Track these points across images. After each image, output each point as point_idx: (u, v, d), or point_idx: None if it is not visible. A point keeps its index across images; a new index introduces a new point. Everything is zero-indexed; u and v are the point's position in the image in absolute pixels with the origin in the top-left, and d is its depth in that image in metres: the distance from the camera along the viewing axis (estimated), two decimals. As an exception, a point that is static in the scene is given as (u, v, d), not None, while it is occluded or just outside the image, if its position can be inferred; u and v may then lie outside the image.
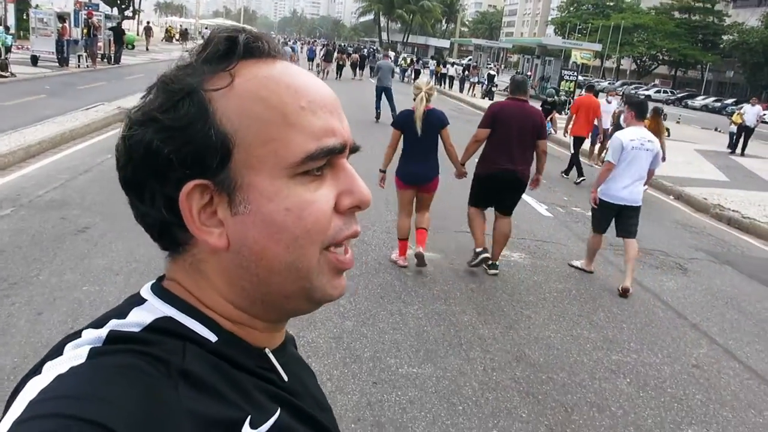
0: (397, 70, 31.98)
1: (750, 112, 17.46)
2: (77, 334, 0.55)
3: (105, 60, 23.12)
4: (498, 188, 5.56)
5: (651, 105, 7.93)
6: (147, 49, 36.02)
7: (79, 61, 20.24)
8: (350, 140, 0.61)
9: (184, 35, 49.60)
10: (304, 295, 0.60)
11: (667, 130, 8.40)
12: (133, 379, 0.48)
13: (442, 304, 4.78)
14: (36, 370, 0.51)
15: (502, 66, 63.13)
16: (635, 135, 5.65)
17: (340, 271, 0.61)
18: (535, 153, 5.61)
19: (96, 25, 20.68)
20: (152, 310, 0.58)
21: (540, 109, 6.18)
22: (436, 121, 5.26)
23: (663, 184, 11.47)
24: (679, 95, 53.23)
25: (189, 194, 0.56)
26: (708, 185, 11.72)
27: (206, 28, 66.15)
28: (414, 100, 5.26)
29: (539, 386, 3.74)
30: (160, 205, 0.57)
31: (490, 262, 5.53)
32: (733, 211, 9.71)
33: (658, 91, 53.84)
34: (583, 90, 14.51)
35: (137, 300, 0.60)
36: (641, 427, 3.46)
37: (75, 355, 0.51)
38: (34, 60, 18.51)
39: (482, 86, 28.39)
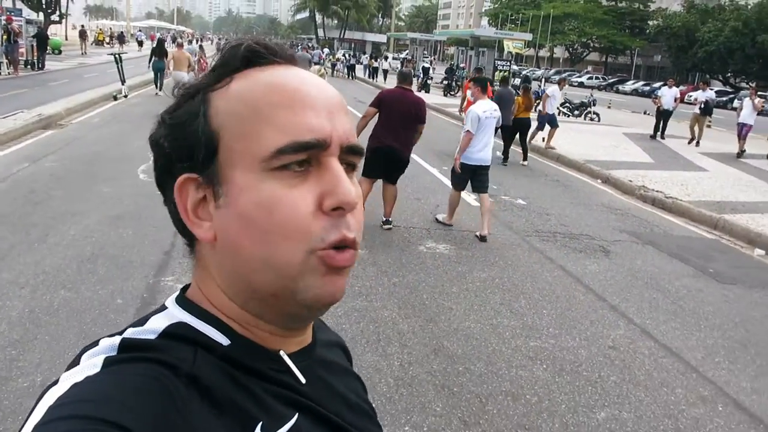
0: (328, 64, 34.57)
1: (667, 95, 17.09)
2: (95, 343, 0.57)
3: (28, 66, 22.10)
4: (383, 162, 6.39)
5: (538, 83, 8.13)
6: (83, 53, 34.73)
7: (-1, 69, 19.25)
8: (341, 140, 0.59)
9: (121, 38, 48.28)
10: (292, 297, 0.58)
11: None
12: (146, 385, 0.50)
13: (363, 300, 4.70)
14: (55, 382, 0.52)
15: (439, 59, 63.56)
16: (486, 107, 6.75)
17: (332, 269, 0.58)
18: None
19: (17, 31, 19.70)
20: (169, 316, 0.60)
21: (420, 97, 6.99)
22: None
23: (591, 168, 11.71)
24: (611, 81, 54.71)
25: (181, 187, 0.59)
26: (634, 167, 12.02)
27: (139, 30, 64.50)
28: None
29: (455, 378, 3.70)
30: (172, 200, 0.61)
31: (384, 220, 6.68)
32: (656, 191, 9.98)
33: (591, 78, 55.29)
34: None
35: (160, 308, 0.63)
36: (555, 413, 3.46)
37: (90, 364, 0.53)
38: (-52, 69, 17.51)
39: (418, 79, 28.43)
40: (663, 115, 17.13)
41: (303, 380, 0.62)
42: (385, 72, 33.83)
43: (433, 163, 11.04)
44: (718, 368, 4.25)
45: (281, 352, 0.62)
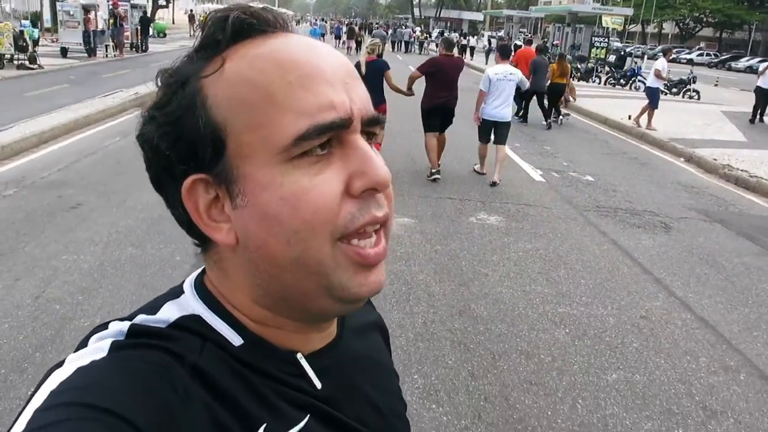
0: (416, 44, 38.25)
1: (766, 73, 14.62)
2: (104, 326, 0.55)
3: (133, 49, 23.74)
4: (440, 115, 7.65)
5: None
6: (191, 35, 36.96)
7: (106, 51, 20.82)
8: (362, 113, 0.54)
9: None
10: (325, 293, 0.54)
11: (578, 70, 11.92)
12: (150, 372, 0.49)
13: (402, 264, 4.96)
14: (60, 363, 0.51)
15: (541, 37, 61.83)
16: (499, 70, 7.74)
17: (364, 266, 0.54)
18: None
19: (122, 15, 21.19)
20: (183, 306, 0.58)
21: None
22: (377, 68, 7.33)
23: (675, 146, 11.30)
24: (723, 57, 51.28)
25: (190, 190, 0.54)
26: (723, 146, 11.46)
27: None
28: (364, 52, 7.67)
29: (474, 336, 3.90)
30: (178, 203, 0.56)
31: (434, 170, 7.73)
32: (741, 170, 9.53)
33: (701, 54, 52.10)
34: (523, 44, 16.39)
35: (176, 292, 0.61)
36: (565, 372, 3.59)
37: (97, 348, 0.52)
38: (64, 52, 19.15)
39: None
40: (762, 95, 15.09)
41: (318, 385, 0.60)
42: (473, 49, 34.03)
43: (505, 139, 11.01)
44: (754, 341, 4.19)
45: (298, 355, 0.59)
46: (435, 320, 4.07)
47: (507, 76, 7.68)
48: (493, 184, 7.67)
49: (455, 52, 8.28)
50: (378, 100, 7.04)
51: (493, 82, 7.63)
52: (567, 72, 13.41)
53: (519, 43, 30.78)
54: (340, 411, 0.61)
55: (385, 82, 7.42)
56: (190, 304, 0.58)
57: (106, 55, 20.78)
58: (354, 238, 0.53)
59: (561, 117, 13.61)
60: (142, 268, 4.53)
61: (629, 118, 13.68)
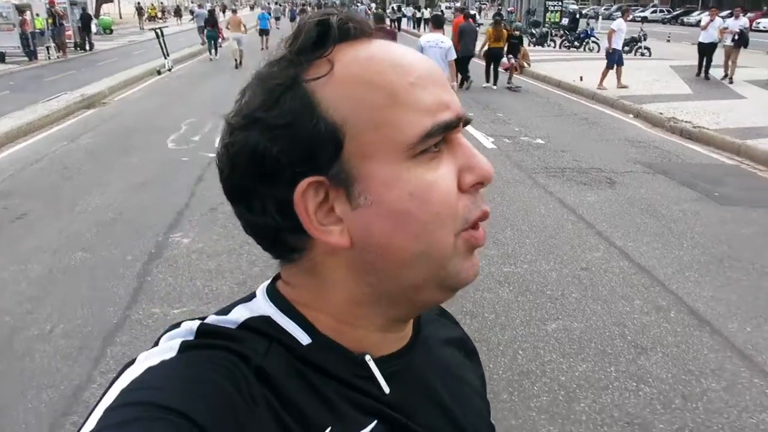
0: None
1: (709, 27, 14.53)
2: (177, 325, 0.57)
3: (78, 48, 23.19)
4: None
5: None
6: (142, 29, 36.45)
7: (48, 53, 20.21)
8: (463, 112, 0.57)
9: (177, 12, 50.03)
10: (437, 283, 0.56)
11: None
12: (217, 374, 0.50)
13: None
14: (132, 361, 0.52)
15: (495, 5, 61.84)
16: (431, 38, 8.76)
17: (473, 250, 0.57)
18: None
19: (61, 14, 20.65)
20: (253, 308, 0.59)
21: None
22: None
23: (623, 104, 11.61)
24: (675, 13, 51.92)
25: (303, 193, 0.54)
26: (669, 100, 11.79)
27: (192, 2, 65.90)
28: None
29: (422, 301, 4.12)
30: (272, 211, 0.55)
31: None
32: (685, 122, 9.86)
33: (654, 11, 52.64)
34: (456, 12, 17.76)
35: (249, 296, 0.62)
36: (507, 327, 3.83)
37: (167, 347, 0.53)
38: (1, 57, 18.55)
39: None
40: (704, 50, 14.62)
41: (387, 389, 0.59)
42: (427, 21, 34.29)
43: (458, 111, 11.23)
44: (685, 282, 4.47)
45: (366, 357, 0.59)
46: (386, 290, 4.28)
47: (438, 44, 8.57)
48: None
49: (387, 23, 9.80)
50: None
51: (425, 48, 8.37)
52: (502, 36, 14.13)
53: (473, 12, 31.03)
54: (410, 418, 0.59)
55: None
56: (260, 306, 0.59)
57: (49, 57, 20.19)
58: (470, 230, 0.56)
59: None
60: (92, 271, 4.63)
61: (581, 79, 13.97)
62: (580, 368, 3.42)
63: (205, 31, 20.60)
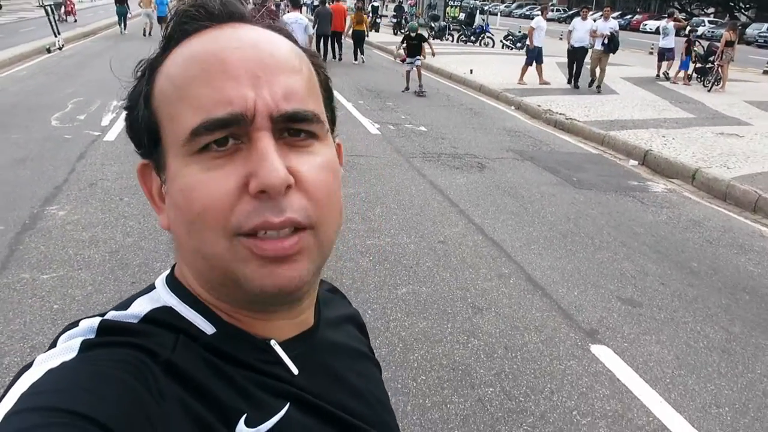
0: None
1: (579, 29, 13.42)
2: (75, 324, 0.55)
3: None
4: None
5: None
6: (40, 5, 34.31)
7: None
8: (270, 108, 0.52)
9: None
10: (234, 284, 0.55)
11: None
12: (122, 372, 0.48)
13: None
14: (30, 364, 0.50)
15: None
16: (293, 17, 11.30)
17: (265, 258, 0.53)
18: None
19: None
20: (155, 299, 0.59)
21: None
22: None
23: (507, 96, 12.29)
24: (571, 12, 54.62)
25: (141, 172, 0.59)
26: (549, 93, 12.61)
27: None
28: None
29: (286, 270, 4.37)
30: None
31: None
32: (559, 114, 10.61)
33: (553, 10, 55.15)
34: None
35: (148, 288, 0.61)
36: (361, 291, 4.15)
37: (67, 347, 0.51)
38: None
39: (368, 17, 28.48)
40: (575, 55, 13.42)
41: (295, 371, 0.60)
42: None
43: (350, 97, 11.54)
44: (529, 253, 4.97)
45: (272, 342, 0.59)
46: (252, 260, 4.50)
47: (297, 20, 11.25)
48: None
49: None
50: None
51: (289, 25, 10.23)
52: (363, 20, 17.38)
53: (376, 4, 31.41)
54: (320, 398, 0.61)
55: None
56: (161, 296, 0.59)
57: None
58: (249, 236, 0.52)
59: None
60: (-37, 240, 4.61)
61: (470, 72, 14.60)
62: (421, 325, 3.79)
63: (116, 8, 21.29)
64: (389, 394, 2.43)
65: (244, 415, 0.54)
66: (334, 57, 17.25)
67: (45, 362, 0.50)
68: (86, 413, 0.44)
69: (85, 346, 0.51)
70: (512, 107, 11.74)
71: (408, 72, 12.40)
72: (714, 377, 3.48)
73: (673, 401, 3.24)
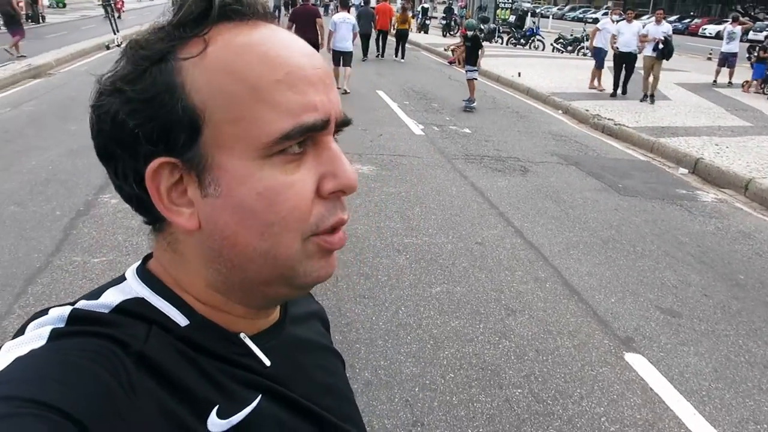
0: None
1: (626, 32, 12.29)
2: (44, 312, 0.54)
3: (29, 20, 22.85)
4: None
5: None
6: (100, 4, 35.64)
7: (-1, 23, 19.97)
8: (337, 114, 0.56)
9: None
10: (285, 281, 0.56)
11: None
12: (92, 363, 0.47)
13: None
14: None
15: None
16: (341, 17, 11.91)
17: (328, 252, 0.57)
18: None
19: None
20: (126, 290, 0.57)
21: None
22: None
23: (554, 100, 12.14)
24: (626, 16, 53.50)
25: (155, 172, 0.53)
26: (597, 98, 12.40)
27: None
28: None
29: (322, 264, 4.43)
30: (132, 181, 0.55)
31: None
32: (608, 119, 10.43)
33: (605, 14, 54.05)
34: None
35: (118, 279, 0.60)
36: (395, 288, 4.19)
37: (36, 335, 0.50)
38: None
39: (416, 20, 28.53)
40: (622, 60, 12.38)
41: (267, 362, 0.60)
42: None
43: (396, 98, 11.59)
44: (568, 258, 4.91)
45: (242, 335, 0.60)
46: (290, 253, 4.58)
47: (346, 20, 11.89)
48: (344, 92, 11.31)
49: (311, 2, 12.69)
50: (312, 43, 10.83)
51: (337, 24, 11.62)
52: (407, 20, 18.20)
53: (426, 6, 31.39)
54: (291, 390, 0.61)
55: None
56: (133, 288, 0.58)
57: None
58: (323, 236, 0.55)
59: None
60: (21, 224, 4.82)
61: (518, 75, 14.48)
62: (453, 324, 3.79)
63: None
64: (416, 389, 2.46)
65: (216, 407, 0.54)
66: (378, 54, 18.16)
67: (13, 350, 0.49)
68: (56, 404, 0.43)
69: (55, 335, 0.50)
70: (559, 111, 11.59)
71: (469, 81, 11.13)
72: (754, 393, 3.38)
73: (707, 414, 3.17)
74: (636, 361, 3.58)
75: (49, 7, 25.32)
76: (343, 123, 0.58)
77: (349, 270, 4.38)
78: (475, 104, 11.05)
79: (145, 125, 0.52)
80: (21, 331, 0.52)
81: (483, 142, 8.65)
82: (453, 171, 7.11)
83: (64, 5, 32.52)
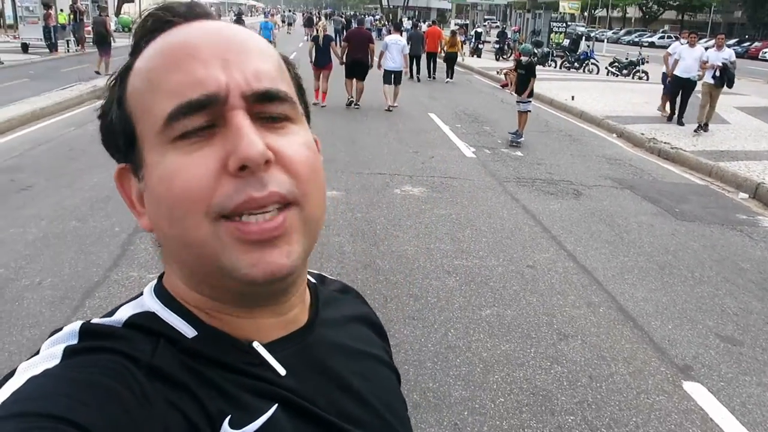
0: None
1: (687, 57, 11.47)
2: (59, 329, 0.55)
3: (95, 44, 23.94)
4: (352, 66, 12.34)
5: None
6: None
7: (67, 46, 21.07)
8: (242, 88, 0.53)
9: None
10: (220, 273, 0.54)
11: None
12: (106, 377, 0.48)
13: (322, 229, 5.48)
14: (12, 373, 0.50)
15: (508, 23, 62.67)
16: (394, 39, 13.18)
17: (250, 243, 0.52)
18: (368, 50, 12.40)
19: (82, 10, 21.35)
20: (138, 305, 0.59)
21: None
22: (327, 40, 12.24)
23: (609, 123, 11.96)
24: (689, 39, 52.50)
25: (119, 177, 0.59)
26: (654, 122, 12.15)
27: (211, 6, 66.63)
28: (317, 31, 12.52)
29: (372, 285, 4.46)
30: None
31: (354, 103, 12.59)
32: (664, 143, 10.20)
33: (662, 37, 53.18)
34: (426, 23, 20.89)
35: (136, 296, 0.62)
36: (445, 309, 4.17)
37: (50, 354, 0.51)
38: (25, 47, 19.51)
39: (470, 44, 28.63)
40: (680, 86, 11.59)
41: (282, 372, 0.58)
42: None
43: (447, 121, 11.62)
44: (623, 283, 4.80)
45: (255, 344, 0.58)
46: (341, 273, 4.62)
47: (397, 42, 13.04)
48: (389, 108, 12.46)
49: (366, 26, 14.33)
50: (326, 61, 12.21)
51: (389, 45, 12.82)
52: (456, 43, 18.85)
53: (479, 30, 31.53)
54: (311, 400, 0.59)
55: (331, 49, 12.28)
56: (145, 302, 0.59)
57: (68, 50, 21.04)
58: (241, 216, 0.52)
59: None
60: (82, 238, 5.03)
61: (572, 98, 14.34)
62: (503, 347, 3.75)
63: None
64: (466, 413, 2.43)
65: (228, 417, 0.53)
66: (429, 76, 18.95)
67: (27, 370, 0.50)
68: (71, 418, 0.44)
69: (68, 353, 0.51)
70: (614, 135, 11.39)
71: (520, 114, 9.95)
72: (822, 427, 3.22)
73: (772, 447, 3.03)
74: (695, 390, 3.45)
75: (115, 30, 26.46)
76: (262, 97, 0.54)
77: (398, 291, 4.39)
78: (523, 139, 9.87)
79: (106, 138, 0.59)
80: (36, 351, 0.53)
81: (535, 165, 8.58)
82: (504, 194, 7.06)
83: (130, 29, 33.93)
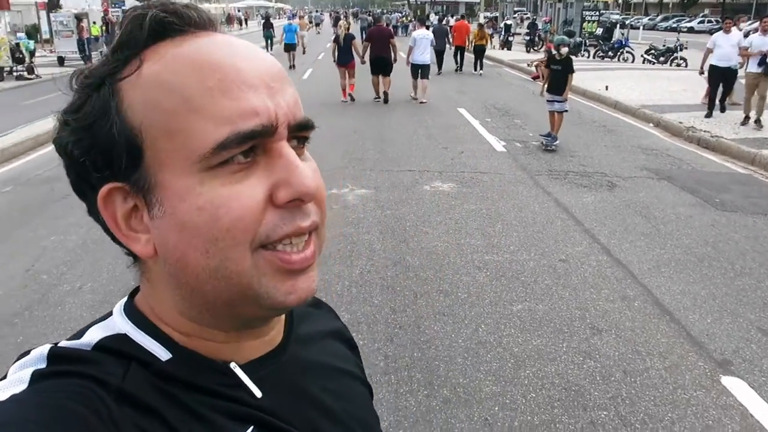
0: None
1: (723, 44, 10.66)
2: (27, 353, 0.53)
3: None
4: (376, 63, 12.84)
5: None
6: None
7: (102, 57, 21.58)
8: (288, 118, 0.52)
9: (229, 20, 51.19)
10: (250, 301, 0.53)
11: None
12: (74, 403, 0.47)
13: (351, 228, 5.51)
14: None
15: (538, 14, 61.91)
16: (421, 33, 13.26)
17: (289, 272, 0.53)
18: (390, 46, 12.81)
19: (113, 22, 21.84)
20: (109, 327, 0.56)
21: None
22: (349, 37, 12.75)
23: (645, 113, 11.70)
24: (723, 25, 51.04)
25: (106, 199, 0.53)
26: (692, 110, 11.82)
27: (238, 11, 67.25)
28: (338, 30, 12.97)
29: (402, 282, 4.45)
30: (94, 212, 0.54)
31: (384, 99, 12.93)
32: (704, 131, 9.93)
33: (701, 22, 51.90)
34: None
35: (105, 316, 0.59)
36: (475, 305, 4.13)
37: (17, 379, 0.50)
38: (61, 61, 20.00)
39: (500, 36, 28.35)
40: (718, 77, 10.78)
41: (258, 394, 0.57)
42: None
43: (477, 115, 11.53)
44: (659, 276, 4.69)
45: (232, 365, 0.57)
46: (371, 270, 4.63)
47: (425, 36, 13.21)
48: (420, 102, 12.84)
49: (384, 23, 14.82)
50: (348, 59, 12.66)
51: (417, 40, 12.99)
52: (485, 36, 19.25)
53: (509, 22, 31.20)
54: (287, 422, 0.58)
55: (352, 47, 12.72)
56: (116, 324, 0.56)
57: (101, 62, 21.54)
58: (279, 244, 0.52)
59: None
60: (118, 243, 5.14)
61: (606, 88, 14.08)
62: (534, 342, 3.70)
63: (263, 32, 25.25)
64: (496, 408, 2.41)
65: None
66: (456, 68, 19.31)
67: None
68: None
69: (36, 377, 0.50)
70: (650, 124, 11.14)
71: (552, 114, 9.14)
72: None
73: (816, 444, 2.92)
74: (734, 385, 3.35)
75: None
76: (302, 127, 0.54)
77: (428, 287, 4.37)
78: (558, 142, 9.06)
79: (89, 153, 0.52)
80: (4, 375, 0.52)
81: (568, 158, 8.45)
82: (536, 187, 6.97)
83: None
